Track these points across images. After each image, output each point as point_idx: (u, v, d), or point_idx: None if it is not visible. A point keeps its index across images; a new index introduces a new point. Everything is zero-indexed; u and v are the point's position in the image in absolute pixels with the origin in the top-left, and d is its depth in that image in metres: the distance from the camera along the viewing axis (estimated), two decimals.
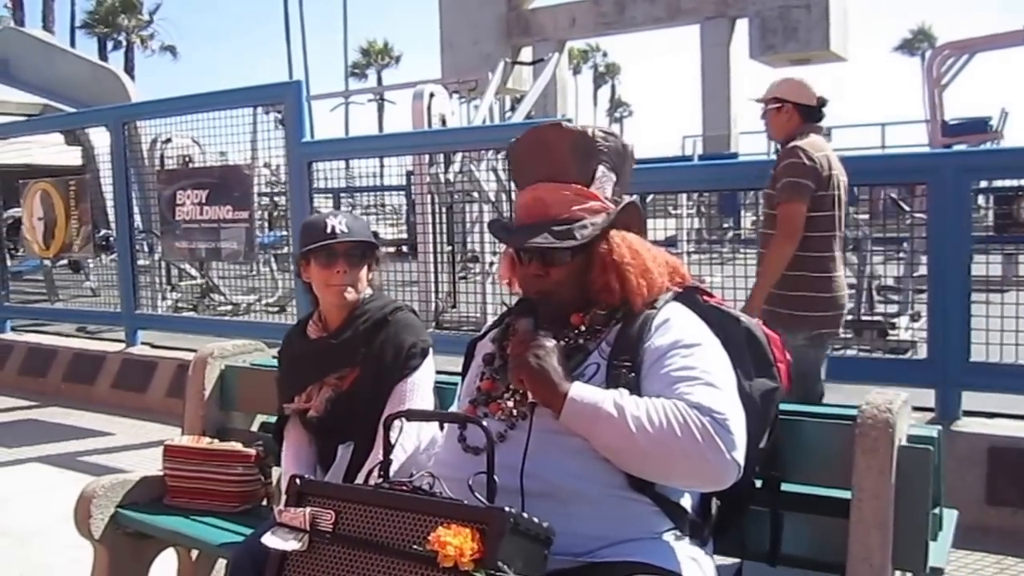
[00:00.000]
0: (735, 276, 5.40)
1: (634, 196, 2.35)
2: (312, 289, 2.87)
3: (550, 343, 2.03)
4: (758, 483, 2.32)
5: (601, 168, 2.17)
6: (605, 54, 75.63)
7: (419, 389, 2.76)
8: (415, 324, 2.86)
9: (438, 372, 2.89)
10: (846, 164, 4.18)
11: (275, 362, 3.62)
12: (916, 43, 64.53)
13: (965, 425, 4.59)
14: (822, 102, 4.16)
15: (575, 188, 2.13)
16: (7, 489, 5.42)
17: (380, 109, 60.57)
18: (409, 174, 8.10)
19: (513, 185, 2.44)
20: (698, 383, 1.95)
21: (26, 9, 41.30)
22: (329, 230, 2.73)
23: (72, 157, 14.19)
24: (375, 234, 2.95)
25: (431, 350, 2.83)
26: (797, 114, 4.15)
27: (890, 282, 8.72)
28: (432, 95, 9.53)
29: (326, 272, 2.77)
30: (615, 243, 2.14)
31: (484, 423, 1.94)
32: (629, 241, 2.16)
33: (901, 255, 8.58)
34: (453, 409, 2.46)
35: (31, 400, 7.99)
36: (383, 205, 15.07)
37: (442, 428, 2.44)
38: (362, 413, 2.71)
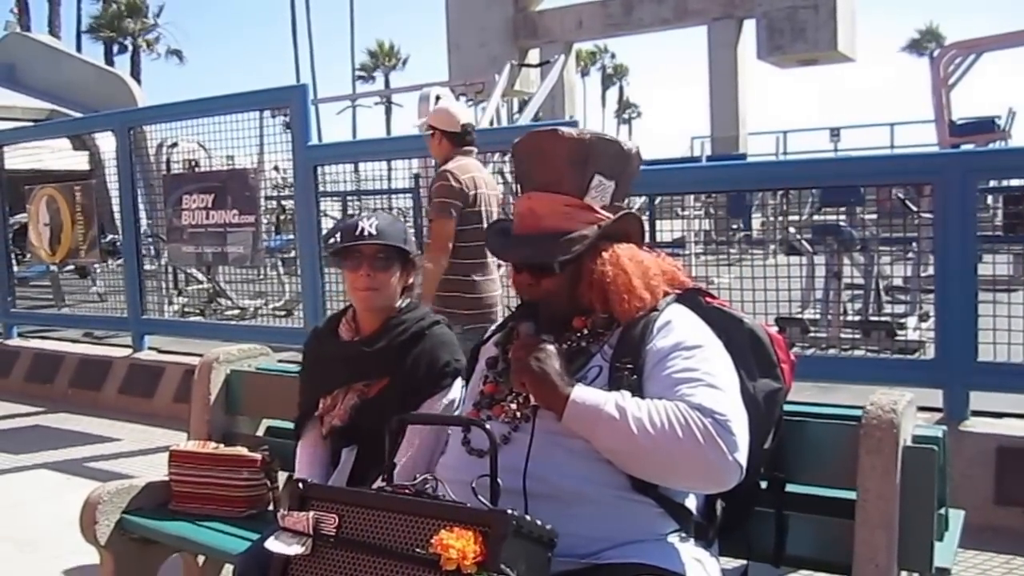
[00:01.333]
0: (743, 277, 5.39)
1: (633, 206, 2.35)
2: None
3: (552, 346, 2.03)
4: (763, 484, 2.32)
5: (598, 177, 2.15)
6: (613, 55, 75.69)
7: (449, 409, 2.66)
8: (452, 341, 2.77)
9: None
10: (852, 164, 4.17)
11: (281, 367, 3.63)
12: (924, 43, 64.25)
13: (973, 425, 4.58)
14: (466, 129, 4.70)
15: (568, 199, 2.13)
16: (13, 495, 5.43)
17: (388, 112, 60.43)
18: (416, 177, 8.07)
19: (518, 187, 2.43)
20: (700, 384, 1.95)
21: (32, 14, 41.44)
22: (358, 231, 2.65)
23: (79, 162, 14.21)
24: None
25: (464, 370, 2.73)
26: (446, 140, 4.69)
27: (898, 282, 8.69)
28: (438, 97, 9.50)
29: (351, 275, 2.70)
30: (601, 259, 2.12)
31: (487, 426, 1.95)
32: (617, 256, 2.14)
33: (909, 255, 8.55)
34: (458, 413, 2.46)
35: (38, 406, 7.98)
36: (390, 208, 15.05)
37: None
38: (382, 422, 2.65)
